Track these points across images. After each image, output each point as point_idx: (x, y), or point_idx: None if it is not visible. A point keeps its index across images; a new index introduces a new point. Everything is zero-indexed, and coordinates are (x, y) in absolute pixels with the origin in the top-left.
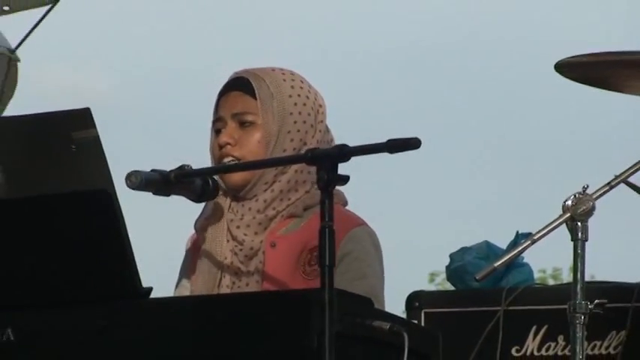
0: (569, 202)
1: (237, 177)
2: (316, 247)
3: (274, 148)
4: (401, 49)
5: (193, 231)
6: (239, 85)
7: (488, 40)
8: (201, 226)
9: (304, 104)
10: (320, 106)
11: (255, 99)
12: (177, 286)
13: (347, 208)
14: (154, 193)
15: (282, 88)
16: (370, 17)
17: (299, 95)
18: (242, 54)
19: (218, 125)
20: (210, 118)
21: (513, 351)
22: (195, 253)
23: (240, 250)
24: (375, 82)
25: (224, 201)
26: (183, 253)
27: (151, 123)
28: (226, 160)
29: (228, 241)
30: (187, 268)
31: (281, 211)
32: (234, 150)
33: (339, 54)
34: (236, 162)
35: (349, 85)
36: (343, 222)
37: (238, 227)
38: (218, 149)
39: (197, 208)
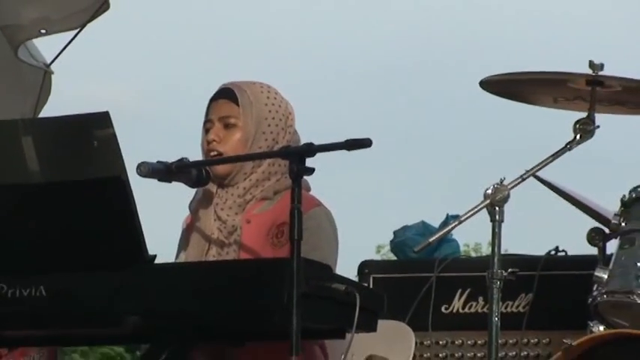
0: (489, 191)
1: (221, 168)
2: (283, 223)
3: (251, 145)
4: (357, 69)
5: (188, 212)
6: (226, 94)
7: (428, 62)
8: (195, 207)
9: (277, 111)
10: (290, 113)
11: (238, 106)
12: (176, 259)
13: (310, 192)
14: (158, 180)
15: (260, 98)
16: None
17: (273, 104)
18: (230, 71)
19: (207, 126)
20: (202, 119)
21: (443, 309)
22: (189, 231)
23: (224, 227)
24: (336, 95)
25: (212, 188)
26: (180, 231)
27: (156, 124)
28: (212, 153)
29: (215, 220)
30: (183, 244)
31: (256, 195)
32: (219, 146)
33: (311, 71)
34: (225, 156)
35: (316, 97)
36: (304, 203)
37: (222, 209)
38: (206, 144)
39: (191, 193)
